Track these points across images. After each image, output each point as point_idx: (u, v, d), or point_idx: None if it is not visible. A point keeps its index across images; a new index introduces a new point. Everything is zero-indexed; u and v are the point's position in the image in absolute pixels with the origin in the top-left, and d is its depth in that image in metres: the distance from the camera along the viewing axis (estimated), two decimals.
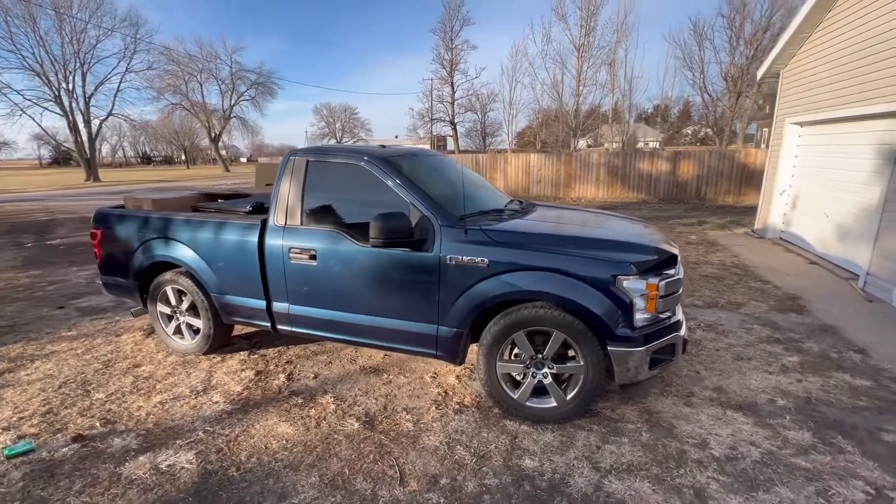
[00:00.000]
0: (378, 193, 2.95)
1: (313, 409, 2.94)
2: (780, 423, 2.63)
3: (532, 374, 2.70)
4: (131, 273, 3.74)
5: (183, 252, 3.48)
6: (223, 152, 47.44)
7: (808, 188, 6.59)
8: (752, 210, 9.08)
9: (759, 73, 7.66)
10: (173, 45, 39.92)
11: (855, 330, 3.86)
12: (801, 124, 6.75)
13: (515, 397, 2.73)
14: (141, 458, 2.46)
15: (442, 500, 2.14)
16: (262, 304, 3.32)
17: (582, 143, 44.53)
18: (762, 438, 2.50)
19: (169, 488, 2.24)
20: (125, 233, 3.72)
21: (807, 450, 2.40)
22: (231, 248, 3.32)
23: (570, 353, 2.65)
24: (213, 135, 45.23)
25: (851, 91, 5.24)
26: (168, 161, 76.68)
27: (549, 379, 2.67)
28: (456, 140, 38.56)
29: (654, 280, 2.49)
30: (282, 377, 3.36)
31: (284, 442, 2.61)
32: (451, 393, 3.11)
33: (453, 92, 38.07)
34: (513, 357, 2.74)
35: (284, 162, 3.23)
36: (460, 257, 2.66)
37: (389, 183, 2.91)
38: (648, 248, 2.62)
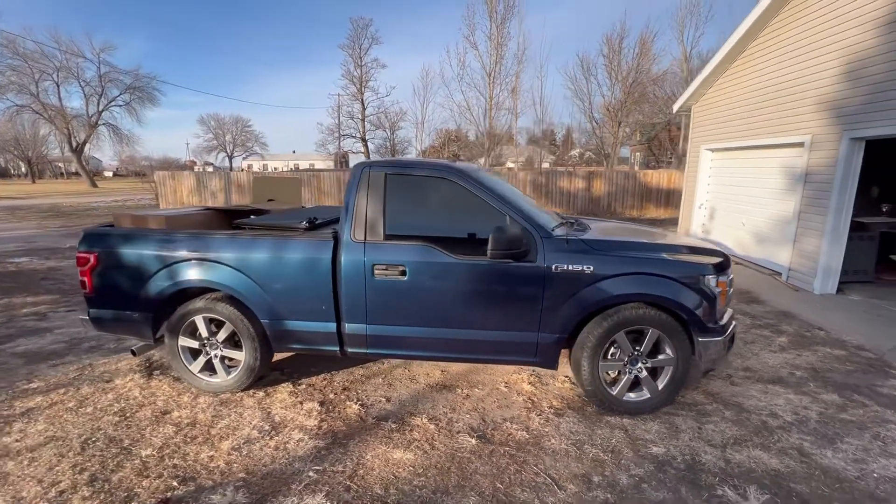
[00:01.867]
0: (467, 207, 2.99)
1: (415, 432, 2.81)
2: (811, 390, 3.25)
3: (629, 371, 2.95)
4: (144, 303, 3.17)
5: (226, 274, 3.06)
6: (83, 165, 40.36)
7: (724, 202, 8.04)
8: (657, 222, 10.69)
9: (675, 108, 9.18)
10: (20, 35, 33.33)
11: (805, 313, 4.86)
12: (713, 150, 8.23)
13: (615, 393, 2.95)
14: None
15: (609, 496, 2.25)
16: (331, 326, 3.08)
17: (482, 160, 47.52)
18: (809, 403, 3.07)
19: None
20: (136, 256, 3.15)
21: (843, 407, 3.02)
22: (295, 267, 3.03)
23: (660, 347, 2.96)
24: (74, 144, 38.39)
25: (762, 125, 6.62)
26: (2, 174, 62.75)
27: (644, 373, 2.94)
28: (367, 156, 38.21)
29: (723, 278, 2.93)
30: (354, 405, 3.13)
31: (412, 468, 2.47)
32: (535, 399, 3.21)
33: (364, 109, 37.83)
34: (610, 357, 2.96)
35: (357, 175, 3.07)
36: (566, 266, 2.83)
37: (484, 197, 2.96)
38: (716, 251, 3.07)
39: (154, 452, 2.58)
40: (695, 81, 8.31)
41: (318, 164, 52.58)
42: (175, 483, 2.32)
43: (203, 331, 3.21)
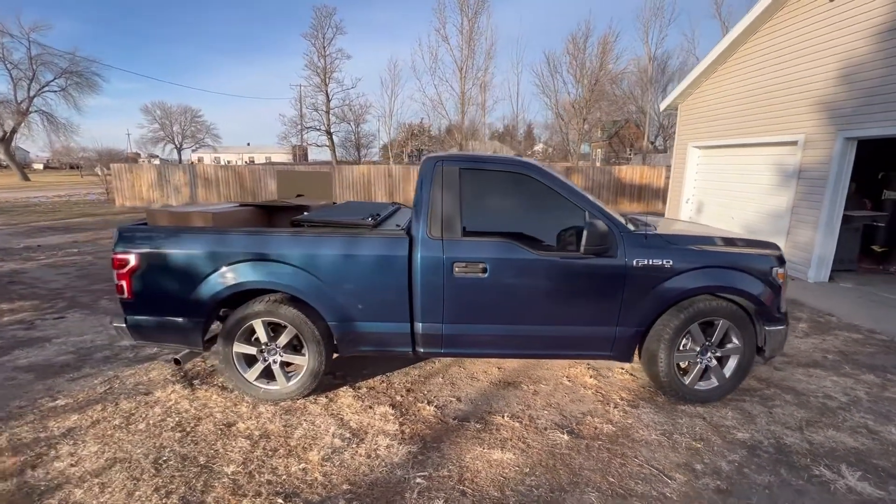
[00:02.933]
0: (543, 203, 2.97)
1: (502, 431, 2.77)
2: (849, 372, 3.50)
3: (700, 361, 3.05)
4: (194, 307, 2.92)
5: (290, 275, 2.88)
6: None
7: (711, 197, 8.49)
8: None
9: (662, 106, 9.57)
10: None
11: (810, 300, 5.24)
12: (701, 147, 8.66)
13: (687, 383, 3.04)
14: None
15: (719, 483, 2.32)
16: (404, 327, 2.97)
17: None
18: (853, 384, 3.31)
19: None
20: (186, 256, 2.89)
21: (883, 385, 3.28)
22: (367, 265, 2.89)
23: (727, 337, 3.08)
24: (0, 133, 34.67)
25: (754, 124, 7.03)
26: None
27: (714, 362, 3.06)
28: (333, 150, 37.16)
29: (782, 270, 3.09)
30: (427, 406, 3.04)
31: (517, 468, 2.43)
32: (603, 392, 3.26)
33: (328, 100, 36.71)
34: (682, 348, 3.04)
35: (429, 169, 2.97)
36: (647, 261, 2.87)
37: (563, 193, 2.95)
38: (771, 243, 3.23)
39: (239, 469, 2.39)
40: (683, 82, 8.69)
41: (276, 158, 50.61)
42: (280, 501, 2.16)
43: (262, 336, 3.01)
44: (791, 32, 6.28)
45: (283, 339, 3.01)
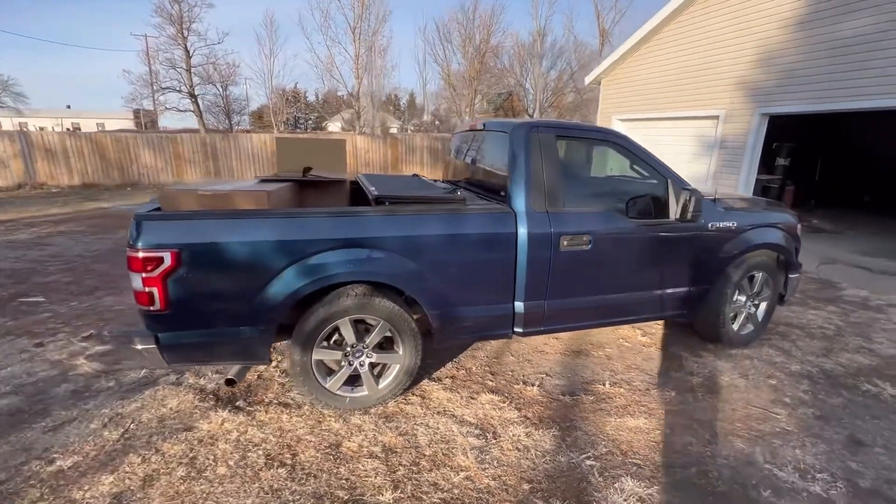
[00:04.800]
0: (621, 170, 3.00)
1: (617, 399, 2.81)
2: (816, 306, 4.34)
3: (746, 309, 3.45)
4: (262, 312, 2.31)
5: (385, 262, 2.45)
6: None
7: None
8: None
9: (586, 81, 10.25)
10: None
11: None
12: (625, 120, 9.56)
13: (736, 329, 3.44)
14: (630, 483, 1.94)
15: (811, 410, 2.70)
16: (507, 307, 2.78)
17: (335, 126, 44.82)
18: (827, 315, 4.12)
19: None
20: (251, 247, 2.24)
21: (846, 313, 4.14)
22: (471, 245, 2.60)
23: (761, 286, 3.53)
24: None
25: (678, 99, 7.97)
26: None
27: (753, 310, 3.49)
28: (200, 116, 31.90)
29: (800, 225, 3.63)
30: (527, 387, 2.93)
31: (659, 431, 2.51)
32: (660, 348, 3.51)
33: (188, 57, 31.14)
34: (737, 297, 3.40)
35: (523, 137, 2.73)
36: (720, 223, 3.12)
37: (649, 161, 3.00)
38: (781, 203, 3.75)
39: (398, 493, 2.01)
40: (607, 59, 9.41)
41: (112, 125, 41.92)
42: None
43: (349, 337, 2.52)
44: (714, 17, 7.19)
45: (373, 338, 2.57)
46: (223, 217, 2.24)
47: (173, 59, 30.71)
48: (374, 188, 2.80)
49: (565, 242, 2.72)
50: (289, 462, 2.20)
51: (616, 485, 2.11)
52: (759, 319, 3.54)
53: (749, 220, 3.25)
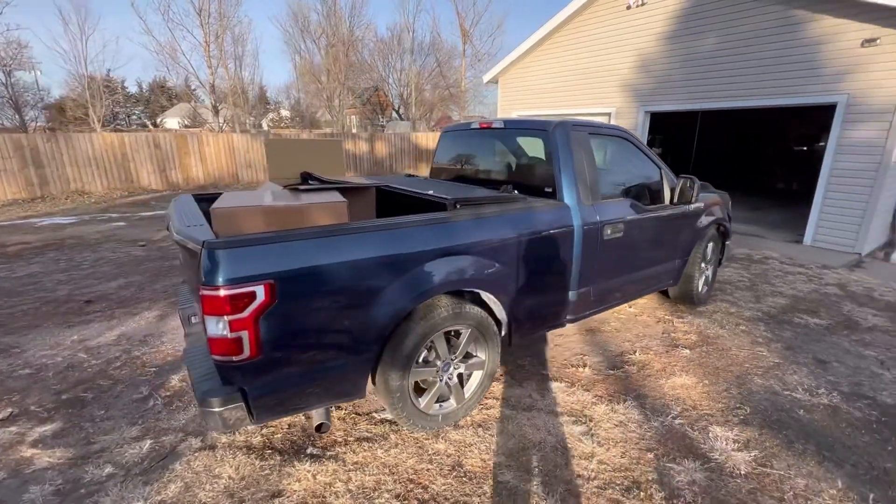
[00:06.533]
0: (632, 162, 3.40)
1: (654, 364, 3.19)
2: (727, 265, 5.46)
3: (705, 273, 4.20)
4: (363, 337, 2.05)
5: (477, 267, 2.37)
6: None
7: None
8: None
9: (485, 79, 10.82)
10: None
11: None
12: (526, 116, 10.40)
13: (701, 290, 4.16)
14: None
15: (814, 355, 3.47)
16: (566, 297, 2.93)
17: (172, 122, 38.66)
18: (739, 270, 5.21)
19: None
20: (351, 267, 1.95)
21: (748, 266, 5.30)
22: (542, 241, 2.67)
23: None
24: None
25: (573, 97, 8.99)
26: None
27: (709, 272, 4.27)
28: None
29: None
30: (578, 369, 3.13)
31: (709, 383, 2.94)
32: (668, 317, 4.07)
33: None
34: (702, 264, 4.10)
35: (564, 136, 2.90)
36: (700, 204, 3.74)
37: (648, 154, 3.42)
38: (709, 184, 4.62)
39: (558, 496, 2.01)
40: (505, 59, 10.09)
41: None
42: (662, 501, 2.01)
43: (442, 350, 2.38)
44: (602, 27, 8.29)
45: (462, 347, 2.46)
46: (318, 236, 1.89)
47: None
48: (444, 194, 2.65)
49: (608, 231, 2.97)
50: (426, 496, 2.01)
51: (709, 434, 2.44)
52: (710, 280, 4.35)
53: (707, 199, 3.95)
